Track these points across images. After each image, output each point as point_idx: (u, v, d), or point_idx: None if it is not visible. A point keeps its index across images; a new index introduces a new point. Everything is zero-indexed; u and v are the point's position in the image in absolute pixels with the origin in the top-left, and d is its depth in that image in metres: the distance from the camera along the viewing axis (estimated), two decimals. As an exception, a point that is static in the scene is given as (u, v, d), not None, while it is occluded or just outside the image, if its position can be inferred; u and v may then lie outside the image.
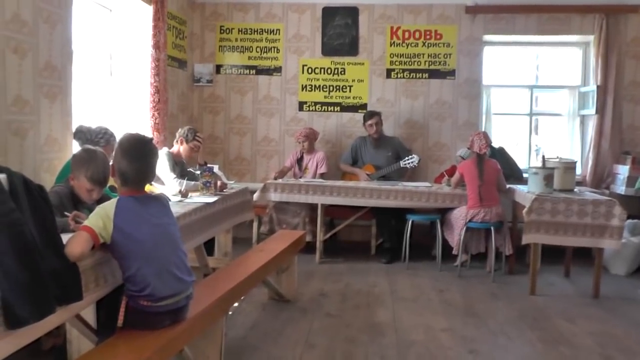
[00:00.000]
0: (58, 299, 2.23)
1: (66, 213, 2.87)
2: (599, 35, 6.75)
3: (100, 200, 3.10)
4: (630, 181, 6.43)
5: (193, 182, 4.95)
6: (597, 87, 6.73)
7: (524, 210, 5.16)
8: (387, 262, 6.34)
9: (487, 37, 7.07)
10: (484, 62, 7.13)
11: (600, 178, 6.88)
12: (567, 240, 5.18)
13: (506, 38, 7.16)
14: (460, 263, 5.90)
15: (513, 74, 7.52)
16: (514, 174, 6.77)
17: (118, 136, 4.37)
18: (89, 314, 2.97)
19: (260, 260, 4.10)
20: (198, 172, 4.96)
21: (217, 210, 4.66)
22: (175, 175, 5.03)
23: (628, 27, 6.84)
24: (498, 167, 5.97)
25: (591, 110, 6.88)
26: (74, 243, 2.39)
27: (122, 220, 2.55)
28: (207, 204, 4.37)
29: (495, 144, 7.07)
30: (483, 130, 7.14)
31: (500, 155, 6.85)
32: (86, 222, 2.53)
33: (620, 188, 6.54)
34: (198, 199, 4.50)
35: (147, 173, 2.73)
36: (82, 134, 4.11)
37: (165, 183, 4.99)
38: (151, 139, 2.81)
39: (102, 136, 4.08)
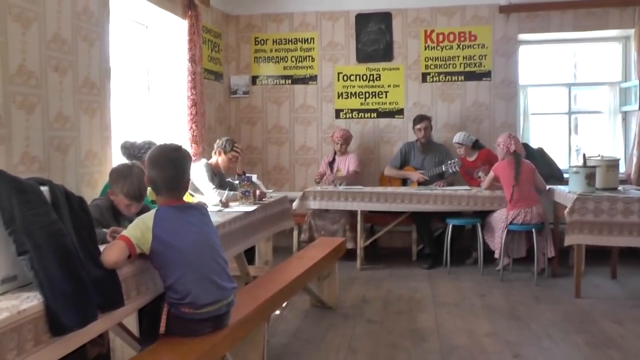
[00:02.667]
0: (100, 306, 2.29)
1: (104, 230, 2.95)
2: (639, 29, 6.60)
3: (141, 213, 3.17)
4: (677, 178, 6.26)
5: (233, 192, 5.02)
6: None
7: (566, 211, 5.07)
8: (429, 268, 6.30)
9: (522, 36, 6.99)
10: (519, 62, 7.05)
11: (646, 176, 6.71)
12: (612, 240, 5.06)
13: (542, 36, 7.05)
14: (502, 267, 5.82)
15: (550, 73, 7.41)
16: (554, 174, 6.66)
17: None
18: (132, 323, 3.03)
19: (300, 268, 4.13)
20: (237, 182, 5.02)
21: (257, 218, 4.71)
22: (214, 186, 5.11)
23: (670, 20, 6.68)
24: (533, 166, 5.89)
25: (634, 106, 6.72)
26: (109, 251, 2.45)
27: (161, 229, 2.60)
28: (247, 212, 4.42)
29: (534, 144, 6.99)
30: (520, 131, 7.06)
31: (540, 156, 6.76)
32: (124, 232, 2.59)
33: (667, 186, 6.36)
34: (237, 208, 4.56)
35: (179, 180, 2.76)
36: (125, 150, 4.22)
37: (205, 194, 5.07)
38: (180, 147, 2.84)
39: (146, 151, 4.15)
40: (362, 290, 5.52)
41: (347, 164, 6.70)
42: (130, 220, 3.12)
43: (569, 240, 5.08)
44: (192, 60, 5.99)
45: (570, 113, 7.24)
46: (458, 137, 6.47)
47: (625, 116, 7.07)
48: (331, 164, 6.77)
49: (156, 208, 2.72)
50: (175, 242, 2.62)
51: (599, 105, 7.33)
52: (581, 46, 7.31)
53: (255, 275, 5.22)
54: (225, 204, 4.56)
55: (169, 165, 2.73)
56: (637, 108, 6.65)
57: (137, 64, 5.85)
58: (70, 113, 4.13)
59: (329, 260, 4.70)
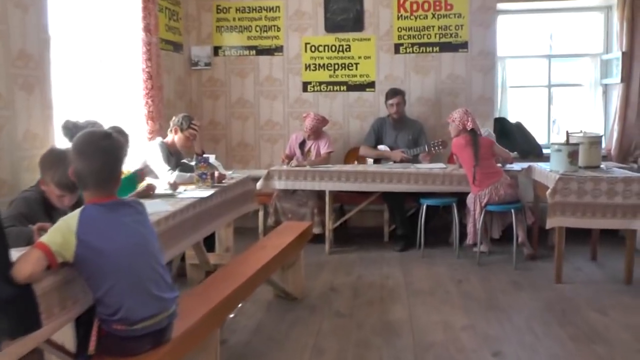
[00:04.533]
0: (7, 332, 1.89)
1: (30, 227, 2.54)
2: (622, -2, 6.26)
3: (77, 205, 2.75)
4: (660, 154, 5.99)
5: (188, 175, 4.60)
6: (623, 53, 6.25)
7: (548, 192, 4.75)
8: (401, 250, 5.98)
9: (501, 6, 6.59)
10: (497, 33, 6.66)
11: (627, 151, 6.43)
12: (595, 223, 4.77)
13: (521, 5, 6.67)
14: (479, 250, 5.51)
15: (529, 44, 7.05)
16: (533, 150, 6.38)
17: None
18: (67, 336, 2.63)
19: (262, 259, 3.75)
20: (193, 163, 4.61)
21: (215, 204, 4.31)
22: (169, 167, 4.68)
23: (654, -13, 6.34)
24: (490, 140, 5.63)
25: (615, 79, 6.41)
26: (23, 262, 2.05)
27: (87, 232, 2.19)
28: (202, 198, 4.01)
29: (512, 118, 6.67)
30: (497, 105, 6.73)
31: (518, 131, 6.47)
32: (43, 238, 2.17)
33: (649, 162, 6.10)
34: (192, 193, 4.14)
35: (109, 173, 2.35)
36: (68, 130, 3.75)
37: (159, 176, 4.65)
38: (111, 133, 2.42)
39: None
40: (331, 277, 5.17)
41: (317, 146, 6.25)
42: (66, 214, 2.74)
43: (550, 223, 4.78)
44: (147, 29, 5.50)
45: (549, 86, 6.90)
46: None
47: (606, 89, 6.77)
48: (302, 145, 6.32)
49: (82, 207, 2.31)
50: (105, 247, 2.22)
51: (579, 77, 7.00)
52: (561, 16, 6.94)
53: (216, 264, 4.86)
54: (174, 186, 4.14)
55: (98, 155, 2.31)
56: (618, 81, 6.34)
57: (86, 33, 5.35)
58: (2, 90, 3.66)
59: (294, 247, 4.33)
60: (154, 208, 3.44)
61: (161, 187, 4.20)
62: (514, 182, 5.47)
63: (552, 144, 5.12)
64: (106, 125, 3.94)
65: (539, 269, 5.28)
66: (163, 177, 4.59)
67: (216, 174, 4.58)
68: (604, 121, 6.77)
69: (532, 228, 5.60)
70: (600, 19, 6.76)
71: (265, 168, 6.71)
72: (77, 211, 2.25)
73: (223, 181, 4.65)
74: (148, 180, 4.25)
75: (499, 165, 5.64)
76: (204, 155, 4.60)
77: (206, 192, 4.14)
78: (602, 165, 5.21)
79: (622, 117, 6.39)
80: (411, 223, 6.12)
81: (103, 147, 2.32)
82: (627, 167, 5.85)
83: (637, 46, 6.29)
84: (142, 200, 3.64)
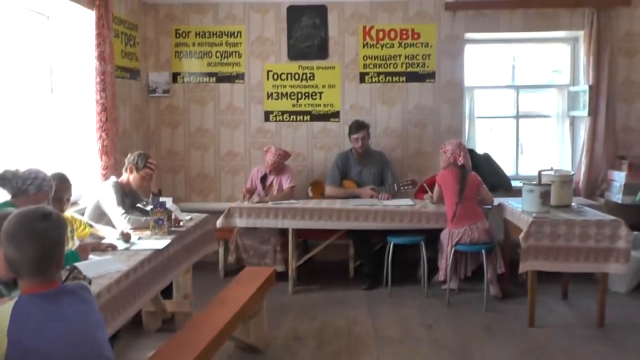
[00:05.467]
0: None
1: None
2: (589, 31, 6.18)
3: None
4: (628, 189, 5.90)
5: (144, 218, 4.29)
6: (589, 87, 6.18)
7: (521, 236, 4.59)
8: (368, 289, 5.74)
9: (469, 35, 6.46)
10: (465, 63, 6.53)
11: (594, 185, 6.35)
12: (568, 267, 4.63)
13: (489, 36, 6.55)
14: (449, 289, 5.31)
15: (496, 75, 6.94)
16: (502, 184, 6.23)
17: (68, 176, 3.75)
18: None
19: (223, 317, 3.46)
20: (149, 207, 4.30)
21: (173, 252, 4.01)
22: (124, 211, 4.35)
23: (620, 22, 6.28)
24: (479, 179, 5.42)
25: (583, 112, 6.34)
26: None
27: (20, 331, 1.87)
28: (158, 250, 3.70)
29: (480, 150, 6.53)
30: (465, 136, 6.58)
31: (486, 162, 6.31)
32: None
33: (617, 196, 6.00)
34: (147, 243, 3.82)
35: (47, 259, 2.01)
36: (6, 181, 3.39)
37: (114, 221, 4.32)
38: (49, 213, 2.07)
39: (32, 182, 3.35)
40: (295, 323, 4.89)
41: (280, 180, 5.99)
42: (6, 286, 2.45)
43: (523, 267, 4.62)
44: (101, 58, 5.17)
45: (517, 117, 6.78)
46: None
47: (573, 121, 6.69)
48: (263, 179, 6.05)
49: (15, 299, 1.98)
50: (42, 347, 1.90)
51: (546, 109, 6.91)
52: (530, 47, 6.85)
53: (173, 312, 4.55)
54: (127, 237, 3.82)
55: (32, 241, 1.97)
56: (586, 114, 6.26)
57: (38, 61, 5.04)
58: None
59: (258, 298, 4.05)
60: (105, 268, 3.14)
61: (113, 237, 3.90)
62: (491, 228, 5.29)
63: (524, 183, 4.96)
64: (50, 170, 3.61)
65: (510, 310, 5.11)
66: (117, 221, 4.28)
67: (173, 217, 4.29)
68: (572, 153, 6.68)
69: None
70: (567, 51, 6.69)
71: (226, 200, 6.47)
72: (9, 305, 1.93)
73: (179, 224, 4.36)
74: (98, 230, 3.96)
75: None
76: (160, 200, 4.29)
77: (163, 242, 3.84)
78: (573, 204, 5.10)
79: (589, 150, 6.31)
80: (377, 259, 5.90)
81: (38, 231, 1.98)
82: (596, 203, 5.78)
83: (603, 79, 6.23)
84: (93, 256, 3.39)
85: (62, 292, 2.04)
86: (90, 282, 2.77)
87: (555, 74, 6.91)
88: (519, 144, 6.81)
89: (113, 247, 3.67)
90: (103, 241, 3.86)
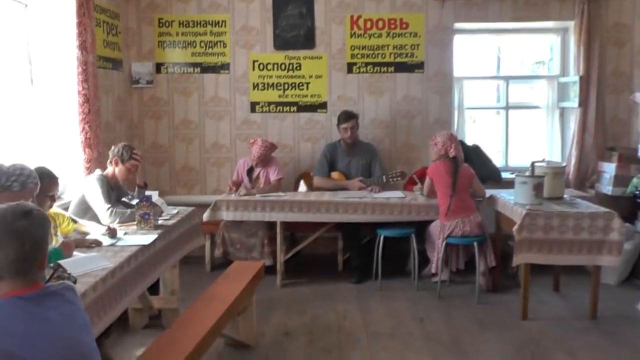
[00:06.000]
0: None
1: None
2: (580, 21, 6.11)
3: None
4: (618, 180, 5.86)
5: (129, 211, 4.15)
6: (580, 77, 6.12)
7: (514, 228, 4.51)
8: (357, 282, 5.65)
9: (458, 25, 6.37)
10: (454, 53, 6.44)
11: (585, 176, 6.31)
12: (562, 259, 4.56)
13: (478, 25, 6.47)
14: (440, 281, 5.24)
15: (486, 65, 6.87)
16: (492, 175, 6.15)
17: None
18: None
19: (211, 316, 3.33)
20: (134, 202, 4.16)
21: (159, 247, 3.88)
22: (110, 205, 4.20)
23: (609, 12, 6.24)
24: (471, 172, 5.33)
25: (573, 103, 6.28)
26: None
27: (2, 336, 1.74)
28: (145, 246, 3.57)
29: (469, 141, 6.45)
30: (454, 127, 6.49)
31: (476, 154, 6.23)
32: None
33: (607, 188, 5.96)
34: (133, 239, 3.69)
35: (29, 260, 1.88)
36: None
37: (99, 215, 4.17)
38: (30, 210, 1.92)
39: (16, 178, 3.19)
40: (284, 318, 4.78)
41: (267, 172, 5.87)
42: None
43: (517, 260, 4.55)
44: (83, 47, 5.00)
45: (507, 107, 6.71)
46: None
47: (563, 112, 6.64)
48: (250, 171, 5.92)
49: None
50: (26, 354, 1.75)
51: (536, 100, 6.86)
52: (518, 37, 6.78)
53: (160, 309, 4.43)
54: (112, 232, 3.68)
55: (13, 241, 1.84)
56: (576, 105, 6.21)
57: (15, 51, 4.86)
58: None
59: (246, 295, 3.93)
60: (90, 265, 3.01)
61: (99, 232, 3.76)
62: (483, 221, 5.21)
63: (516, 175, 4.89)
64: (34, 164, 3.46)
65: (502, 302, 5.06)
66: (104, 216, 4.13)
67: (159, 212, 4.17)
68: (561, 144, 6.63)
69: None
70: (557, 42, 6.63)
71: (212, 193, 6.35)
72: None
73: (162, 216, 4.23)
74: (83, 225, 3.82)
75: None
76: (146, 194, 4.16)
77: (149, 237, 3.70)
78: (565, 196, 5.05)
79: (579, 142, 6.26)
80: (366, 252, 5.82)
81: (19, 229, 1.85)
82: (587, 195, 5.74)
83: (593, 70, 6.17)
84: (77, 252, 3.24)
85: (46, 294, 1.91)
86: (75, 281, 2.65)
87: (544, 65, 6.84)
88: (508, 135, 6.74)
89: (98, 243, 3.55)
90: (87, 237, 3.73)
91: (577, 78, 6.17)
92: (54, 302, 1.90)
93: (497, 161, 6.52)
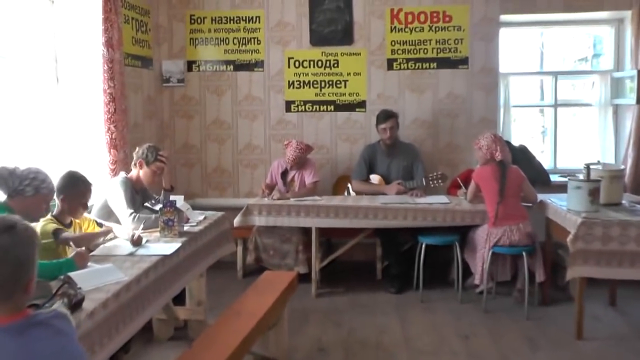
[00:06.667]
0: None
1: None
2: (638, 10, 5.67)
3: None
4: (682, 185, 5.43)
5: (153, 216, 3.91)
6: (638, 72, 5.66)
7: (569, 239, 4.13)
8: (397, 292, 5.34)
9: (504, 18, 5.98)
10: (500, 47, 6.04)
11: (642, 180, 5.86)
12: (622, 273, 4.15)
13: (525, 17, 6.07)
14: (485, 293, 4.88)
15: (533, 60, 6.46)
16: (540, 177, 5.77)
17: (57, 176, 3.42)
18: None
19: (238, 332, 3.06)
20: (158, 207, 3.92)
21: (185, 256, 3.64)
22: (132, 210, 3.98)
23: (671, 0, 5.77)
24: (521, 175, 4.95)
25: (629, 99, 5.83)
26: None
27: None
28: (166, 256, 3.32)
29: (515, 142, 6.07)
30: (500, 127, 6.11)
31: (523, 156, 5.85)
32: None
33: (668, 192, 5.53)
34: (155, 247, 3.44)
35: (11, 282, 1.63)
36: (2, 180, 3.04)
37: (122, 221, 3.96)
38: (13, 224, 1.67)
39: (30, 182, 3.04)
40: (318, 331, 4.50)
41: (302, 175, 5.60)
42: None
43: (571, 273, 4.17)
44: (109, 44, 4.82)
45: (555, 105, 6.30)
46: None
47: (617, 110, 6.19)
48: (284, 174, 5.65)
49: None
50: None
51: (587, 97, 6.42)
52: (568, 29, 6.35)
53: (186, 320, 4.20)
54: (137, 241, 3.45)
55: None
56: (633, 102, 5.75)
57: (41, 49, 4.69)
58: None
59: (277, 309, 3.66)
60: (104, 279, 2.77)
61: (124, 235, 3.55)
62: (534, 230, 4.83)
63: (570, 179, 4.51)
64: (58, 169, 3.28)
65: (553, 318, 4.69)
66: (126, 222, 3.91)
67: (184, 218, 3.92)
68: (615, 145, 6.18)
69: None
70: (611, 34, 6.18)
71: (245, 196, 6.12)
72: None
73: (188, 222, 3.99)
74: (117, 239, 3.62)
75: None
76: (171, 199, 3.92)
77: (172, 246, 3.45)
78: (623, 202, 4.63)
79: (637, 142, 5.81)
80: (406, 259, 5.50)
81: (1, 247, 1.61)
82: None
83: (653, 64, 5.72)
84: (92, 264, 3.01)
85: (31, 323, 1.65)
86: (83, 298, 2.41)
87: (586, 62, 6.39)
88: (556, 135, 6.33)
89: (107, 233, 3.38)
90: (109, 236, 3.54)
91: (634, 72, 5.71)
92: (40, 333, 1.65)
93: (545, 163, 6.11)
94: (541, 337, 4.32)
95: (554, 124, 6.31)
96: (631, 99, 5.78)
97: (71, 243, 3.26)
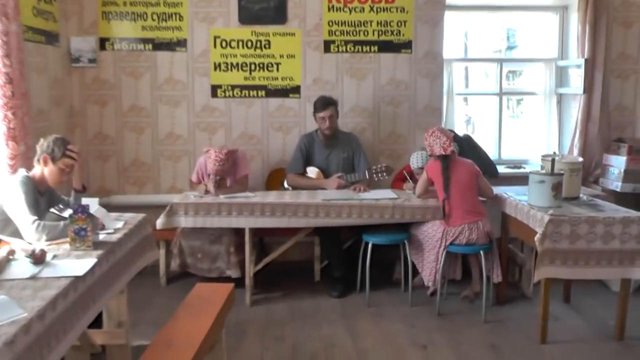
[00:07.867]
0: None
1: None
2: (585, -1, 5.46)
3: None
4: (628, 176, 5.27)
5: (62, 223, 3.22)
6: (585, 60, 5.45)
7: (536, 238, 3.78)
8: (340, 296, 4.87)
9: (450, 1, 5.60)
10: (445, 32, 5.67)
11: (588, 171, 5.66)
12: (589, 273, 3.85)
13: (472, 1, 5.74)
14: (438, 295, 4.50)
15: (479, 46, 6.15)
16: (488, 169, 5.42)
17: None
18: None
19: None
20: (67, 213, 3.23)
21: (101, 273, 2.97)
22: (36, 217, 3.24)
23: (617, -12, 5.60)
24: (475, 169, 4.60)
25: (573, 88, 5.64)
26: None
27: None
28: (78, 277, 2.65)
29: (459, 131, 5.73)
30: (443, 119, 5.75)
31: (468, 146, 5.50)
32: None
33: (615, 184, 5.36)
34: (64, 266, 2.74)
35: None
36: None
37: (22, 230, 3.22)
38: None
39: None
40: (258, 347, 3.95)
41: (234, 170, 4.97)
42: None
43: (539, 275, 3.82)
44: (2, 12, 4.03)
45: (500, 93, 6.00)
46: (418, 162, 4.94)
47: (561, 99, 5.97)
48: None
49: None
50: None
51: (532, 85, 6.17)
52: (513, 15, 6.09)
53: (104, 345, 3.55)
54: (39, 258, 2.76)
55: None
56: (580, 91, 5.54)
57: None
58: None
59: (215, 331, 3.08)
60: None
61: (23, 253, 2.84)
62: (491, 229, 4.48)
63: (531, 173, 4.18)
64: None
65: (511, 319, 4.39)
66: (25, 231, 3.19)
67: (99, 224, 3.27)
68: (558, 135, 5.97)
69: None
70: (555, 21, 5.94)
71: (167, 192, 5.50)
72: None
73: (103, 230, 3.32)
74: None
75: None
76: (83, 202, 3.24)
77: (84, 265, 2.75)
78: (581, 195, 4.37)
79: (583, 132, 5.62)
80: (348, 259, 5.04)
81: None
82: (602, 193, 5.14)
83: (599, 52, 5.52)
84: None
85: None
86: None
87: (539, 47, 6.15)
88: (501, 124, 6.04)
89: (12, 253, 2.68)
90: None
91: (581, 61, 5.49)
92: None
93: (490, 153, 5.81)
94: (504, 343, 3.98)
95: (499, 113, 6.01)
96: (578, 88, 5.57)
97: None
